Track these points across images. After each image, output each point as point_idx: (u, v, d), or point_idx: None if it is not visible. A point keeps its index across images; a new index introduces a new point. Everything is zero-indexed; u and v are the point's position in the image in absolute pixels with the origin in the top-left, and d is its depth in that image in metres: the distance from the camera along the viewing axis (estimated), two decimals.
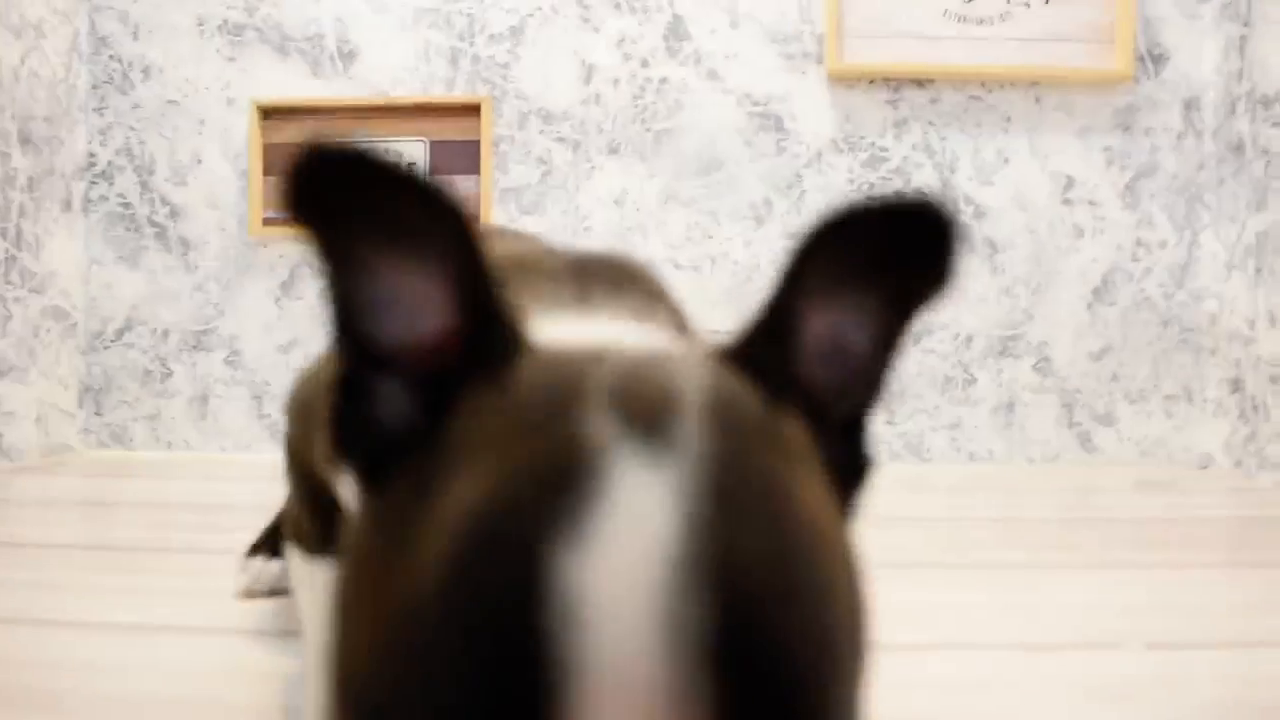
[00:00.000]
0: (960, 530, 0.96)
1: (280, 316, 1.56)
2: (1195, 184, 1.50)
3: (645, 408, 0.19)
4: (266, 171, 1.55)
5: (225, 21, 1.57)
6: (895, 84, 1.51)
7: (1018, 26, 1.49)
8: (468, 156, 1.52)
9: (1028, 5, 1.50)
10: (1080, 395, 1.50)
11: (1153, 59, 1.50)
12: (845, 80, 1.50)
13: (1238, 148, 1.45)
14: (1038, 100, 1.50)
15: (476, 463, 0.19)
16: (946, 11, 1.50)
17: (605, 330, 0.28)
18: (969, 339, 1.50)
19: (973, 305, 1.50)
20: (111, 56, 1.57)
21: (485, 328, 0.21)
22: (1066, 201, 1.50)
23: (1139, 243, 1.50)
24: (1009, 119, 1.50)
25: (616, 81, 1.52)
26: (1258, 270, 1.39)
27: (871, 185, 1.51)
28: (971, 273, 1.50)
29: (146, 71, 1.58)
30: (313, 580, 0.45)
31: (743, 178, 1.51)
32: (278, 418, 1.56)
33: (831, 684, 0.17)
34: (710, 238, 1.51)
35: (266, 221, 1.55)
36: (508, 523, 0.17)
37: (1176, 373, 1.49)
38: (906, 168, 1.51)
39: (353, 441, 0.22)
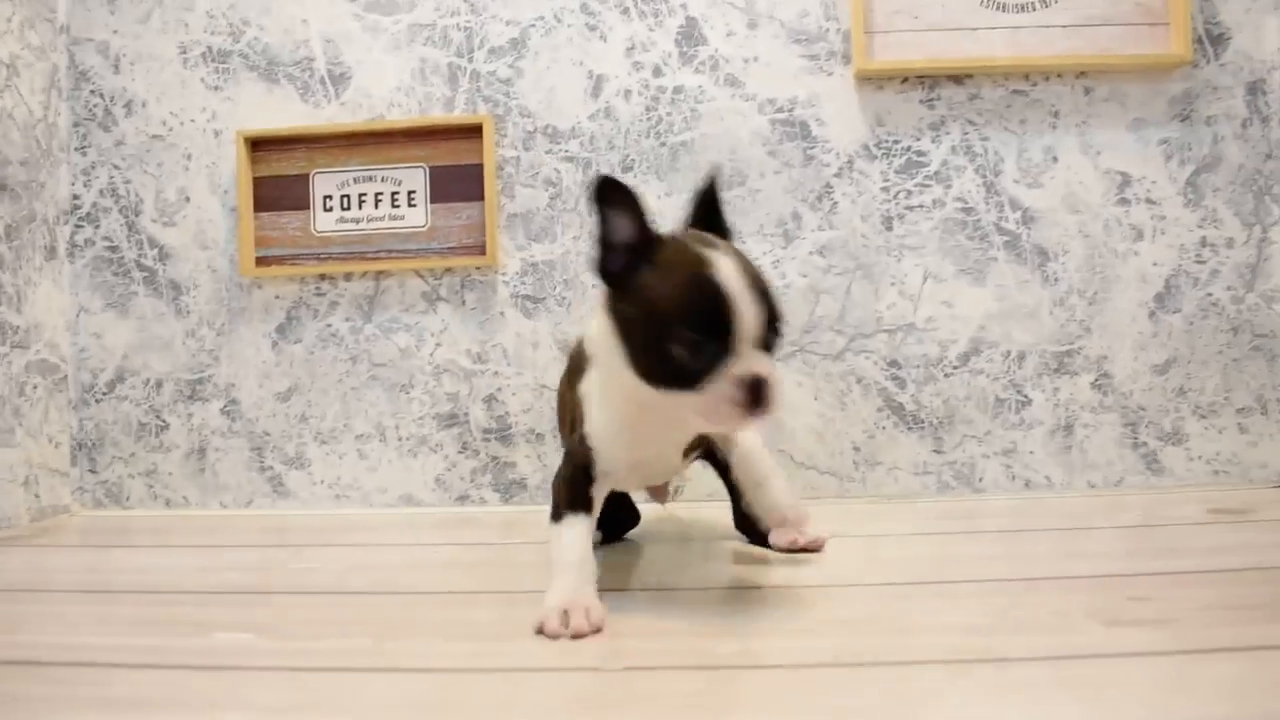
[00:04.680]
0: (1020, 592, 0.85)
1: (278, 363, 1.46)
2: (1263, 175, 1.37)
3: (711, 243, 0.77)
4: (258, 207, 1.45)
5: (209, 49, 1.47)
6: (930, 82, 1.38)
7: (1062, 12, 1.37)
8: (470, 181, 1.41)
9: None
10: (1145, 413, 1.37)
11: (1211, 40, 1.37)
12: (875, 80, 1.39)
13: None
14: (1087, 92, 1.38)
15: (676, 268, 0.75)
16: None
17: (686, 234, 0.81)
18: (1021, 356, 1.38)
19: (1024, 319, 1.38)
20: (93, 91, 1.48)
21: (648, 236, 0.77)
22: (1122, 201, 1.38)
23: (1204, 243, 1.37)
24: (1056, 114, 1.38)
25: (628, 93, 1.41)
26: None
27: (909, 193, 1.39)
28: (1021, 283, 1.38)
29: (129, 106, 1.48)
30: (571, 528, 0.82)
31: (768, 191, 1.39)
32: (278, 470, 1.46)
33: (780, 319, 0.76)
34: None
35: (260, 261, 1.45)
36: (703, 273, 0.73)
37: (1249, 383, 1.37)
38: (946, 172, 1.38)
39: (603, 276, 0.78)
